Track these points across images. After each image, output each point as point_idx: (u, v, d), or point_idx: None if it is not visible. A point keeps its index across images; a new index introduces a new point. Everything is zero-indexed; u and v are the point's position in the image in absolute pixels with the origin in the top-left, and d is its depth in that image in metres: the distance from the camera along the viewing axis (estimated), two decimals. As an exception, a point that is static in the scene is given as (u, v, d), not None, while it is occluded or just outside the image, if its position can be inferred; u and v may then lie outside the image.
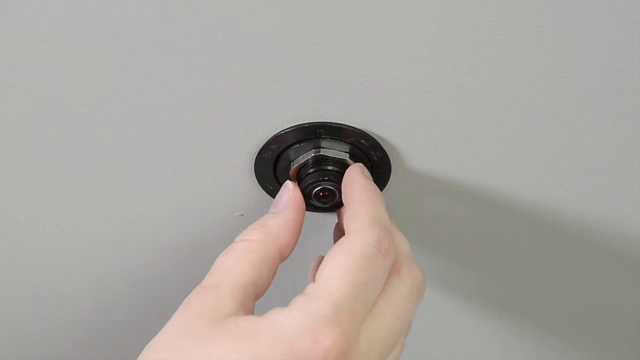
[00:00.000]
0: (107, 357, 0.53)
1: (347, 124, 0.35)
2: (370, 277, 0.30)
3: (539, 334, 0.52)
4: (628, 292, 0.46)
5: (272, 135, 0.36)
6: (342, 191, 0.35)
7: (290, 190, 0.35)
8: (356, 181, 0.34)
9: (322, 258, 0.37)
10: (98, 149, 0.36)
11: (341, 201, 0.36)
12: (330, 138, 0.36)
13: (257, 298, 0.32)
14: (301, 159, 0.36)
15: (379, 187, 0.38)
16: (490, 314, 0.51)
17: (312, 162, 0.36)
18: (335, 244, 0.31)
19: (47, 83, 0.32)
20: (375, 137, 0.35)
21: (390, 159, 0.37)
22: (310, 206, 0.36)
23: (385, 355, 0.31)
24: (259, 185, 0.38)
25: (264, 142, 0.36)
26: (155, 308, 0.48)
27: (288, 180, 0.36)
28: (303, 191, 0.36)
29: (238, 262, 0.31)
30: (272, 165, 0.37)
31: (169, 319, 0.30)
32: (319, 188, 0.36)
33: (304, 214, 0.35)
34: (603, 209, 0.39)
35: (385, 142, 0.36)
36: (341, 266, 0.30)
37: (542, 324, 0.51)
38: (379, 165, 0.37)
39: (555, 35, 0.30)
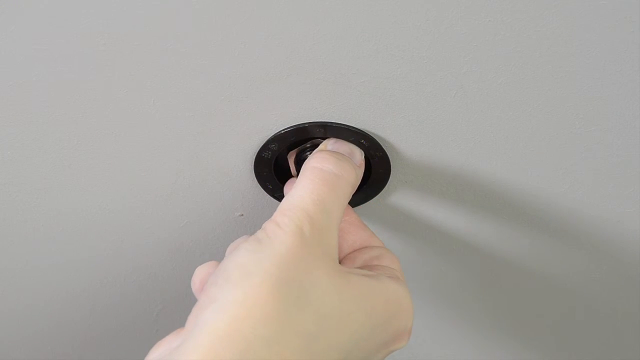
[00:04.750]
0: (107, 357, 0.53)
1: (347, 124, 0.35)
2: None
3: (537, 334, 0.52)
4: (628, 292, 0.46)
5: (272, 134, 0.36)
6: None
7: (362, 154, 0.35)
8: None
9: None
10: (98, 149, 0.36)
11: None
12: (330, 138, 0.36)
13: None
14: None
15: (378, 187, 0.38)
16: (489, 314, 0.51)
17: (310, 146, 0.36)
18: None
19: (47, 83, 0.32)
20: (375, 137, 0.35)
21: (390, 159, 0.37)
22: None
23: None
24: (259, 185, 0.38)
25: (264, 142, 0.36)
26: (155, 308, 0.48)
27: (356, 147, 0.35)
28: None
29: (338, 197, 0.31)
30: (272, 165, 0.37)
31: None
32: None
33: None
34: (603, 209, 0.39)
35: (385, 142, 0.36)
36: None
37: (541, 323, 0.51)
38: (379, 165, 0.37)
39: (555, 35, 0.30)
